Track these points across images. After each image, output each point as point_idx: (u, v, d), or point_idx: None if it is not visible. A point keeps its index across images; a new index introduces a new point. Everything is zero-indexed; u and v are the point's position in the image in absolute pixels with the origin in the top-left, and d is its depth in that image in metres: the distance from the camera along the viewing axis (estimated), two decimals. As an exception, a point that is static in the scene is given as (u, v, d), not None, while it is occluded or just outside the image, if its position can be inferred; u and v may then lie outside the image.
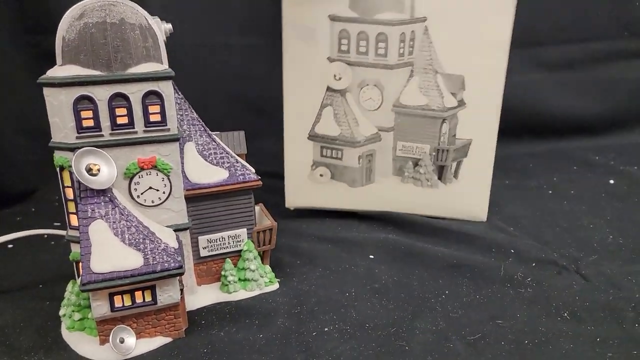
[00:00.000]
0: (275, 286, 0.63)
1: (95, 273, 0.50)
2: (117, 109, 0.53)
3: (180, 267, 0.52)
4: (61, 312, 0.57)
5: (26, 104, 0.97)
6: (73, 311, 0.55)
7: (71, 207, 0.56)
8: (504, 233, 0.73)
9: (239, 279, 0.62)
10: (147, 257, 0.51)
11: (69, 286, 0.58)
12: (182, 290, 0.54)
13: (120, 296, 0.51)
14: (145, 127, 0.55)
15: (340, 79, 0.75)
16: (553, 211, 0.81)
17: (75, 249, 0.57)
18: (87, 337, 0.54)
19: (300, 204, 0.81)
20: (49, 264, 0.71)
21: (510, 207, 0.84)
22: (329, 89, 0.76)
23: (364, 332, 0.54)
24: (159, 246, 0.52)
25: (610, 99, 1.14)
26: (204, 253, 0.62)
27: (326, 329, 0.54)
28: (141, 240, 0.52)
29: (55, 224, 0.85)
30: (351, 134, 0.77)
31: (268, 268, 0.64)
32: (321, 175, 0.78)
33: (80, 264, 0.51)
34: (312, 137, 0.78)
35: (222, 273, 0.62)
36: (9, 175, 0.96)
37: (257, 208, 0.68)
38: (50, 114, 0.53)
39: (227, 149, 0.64)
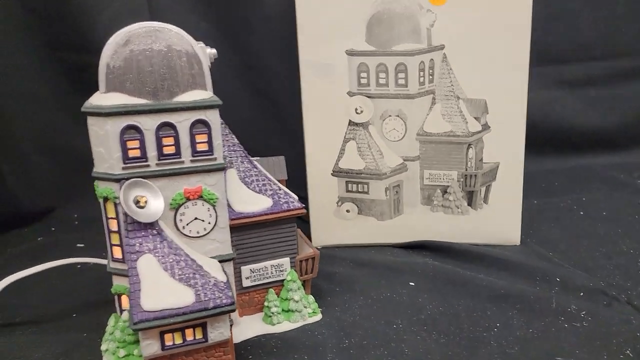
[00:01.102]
0: (319, 317, 0.61)
1: (147, 311, 0.48)
2: (164, 139, 0.52)
3: (233, 303, 0.50)
4: (103, 347, 0.55)
5: (46, 122, 0.95)
6: (118, 347, 0.53)
7: (114, 238, 0.54)
8: (544, 259, 0.72)
9: (283, 310, 0.61)
10: (199, 293, 0.49)
11: (111, 320, 0.56)
12: (231, 325, 0.53)
13: (171, 334, 0.49)
14: (192, 156, 0.53)
15: (361, 112, 0.74)
16: (589, 234, 0.80)
17: (117, 281, 0.55)
18: (133, 374, 0.52)
19: (328, 242, 0.79)
20: (79, 291, 0.69)
21: (544, 229, 0.82)
22: (350, 123, 0.75)
23: (419, 370, 0.52)
24: (210, 281, 0.51)
25: (633, 116, 1.13)
26: (246, 283, 0.61)
27: (379, 366, 0.53)
28: (191, 275, 0.50)
29: (79, 245, 0.84)
30: (376, 166, 0.75)
31: (311, 298, 0.62)
32: (348, 211, 0.77)
33: (129, 300, 0.49)
34: (337, 172, 0.77)
35: (266, 304, 0.61)
36: (28, 194, 0.94)
37: (295, 235, 0.66)
38: (95, 143, 0.51)
39: (269, 175, 0.62)
